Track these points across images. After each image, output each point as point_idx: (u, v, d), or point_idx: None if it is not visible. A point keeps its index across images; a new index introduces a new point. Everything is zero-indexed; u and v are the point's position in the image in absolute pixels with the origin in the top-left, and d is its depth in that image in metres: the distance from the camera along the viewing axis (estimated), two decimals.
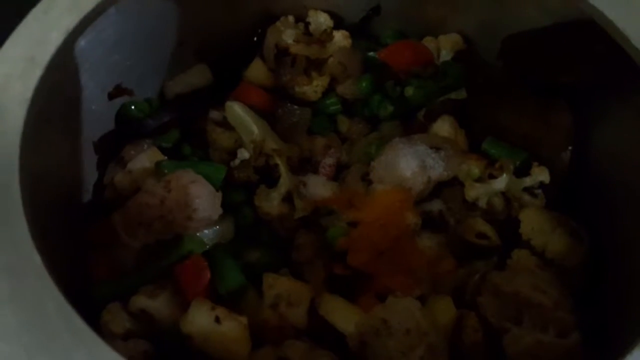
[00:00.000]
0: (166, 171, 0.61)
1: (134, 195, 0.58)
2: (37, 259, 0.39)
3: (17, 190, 0.41)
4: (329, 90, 0.76)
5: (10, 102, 0.44)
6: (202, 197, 0.59)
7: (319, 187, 0.67)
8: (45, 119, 0.49)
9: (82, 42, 0.55)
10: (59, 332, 0.37)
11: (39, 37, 0.47)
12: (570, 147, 0.67)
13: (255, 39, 0.77)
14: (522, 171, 0.67)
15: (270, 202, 0.66)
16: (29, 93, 0.44)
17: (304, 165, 0.72)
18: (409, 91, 0.73)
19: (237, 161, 0.69)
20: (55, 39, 0.47)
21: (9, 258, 0.39)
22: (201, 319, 0.54)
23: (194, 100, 0.74)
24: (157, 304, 0.57)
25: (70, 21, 0.48)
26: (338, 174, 0.71)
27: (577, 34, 0.62)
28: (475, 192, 0.66)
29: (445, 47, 0.76)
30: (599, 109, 0.65)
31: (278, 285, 0.59)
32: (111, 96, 0.66)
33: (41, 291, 0.38)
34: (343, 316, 0.58)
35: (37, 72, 0.45)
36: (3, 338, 0.37)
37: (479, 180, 0.66)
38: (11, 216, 0.40)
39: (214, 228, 0.63)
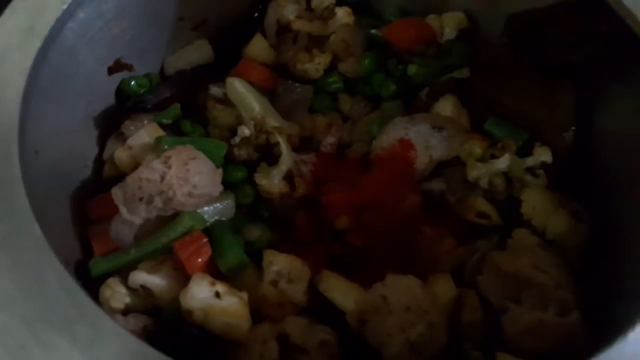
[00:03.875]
0: (166, 147, 0.61)
1: (134, 171, 0.57)
2: (36, 229, 0.39)
3: (16, 161, 0.40)
4: (331, 68, 0.76)
5: (9, 72, 0.43)
6: (202, 174, 0.58)
7: None
8: (44, 91, 0.48)
9: (81, 14, 0.54)
10: (59, 303, 0.37)
11: (37, 7, 0.46)
12: (572, 127, 0.66)
13: (255, 14, 0.76)
14: (524, 151, 0.66)
15: (271, 181, 0.66)
16: (28, 63, 0.44)
17: (305, 144, 0.71)
18: (412, 70, 0.72)
19: (237, 138, 0.68)
20: (54, 9, 0.46)
21: (8, 227, 0.38)
22: (201, 294, 0.54)
23: (194, 76, 0.73)
24: (157, 279, 0.57)
25: None
26: (339, 152, 0.71)
27: (583, 12, 0.61)
28: (476, 171, 0.65)
29: (449, 25, 0.75)
30: (603, 89, 0.65)
31: (278, 261, 0.59)
32: (111, 71, 0.66)
33: (41, 262, 0.38)
34: (343, 293, 0.58)
35: (36, 43, 0.45)
36: (2, 308, 0.37)
37: (481, 160, 0.66)
38: (10, 186, 0.40)
39: (215, 205, 0.63)
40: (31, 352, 0.36)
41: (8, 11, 0.46)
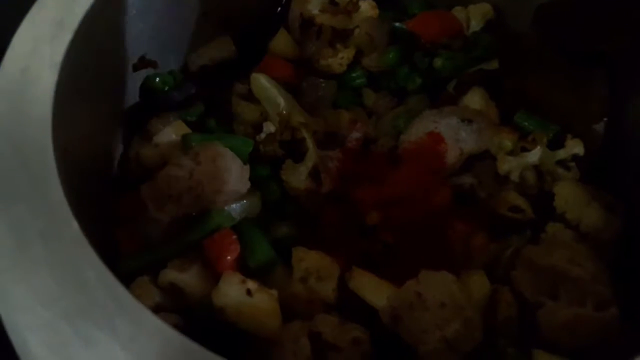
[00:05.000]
0: (193, 144, 0.60)
1: (163, 168, 0.57)
2: (74, 224, 0.38)
3: (51, 155, 0.40)
4: (354, 63, 0.75)
5: (41, 66, 0.43)
6: (230, 170, 0.58)
7: None
8: (73, 86, 0.48)
9: (107, 10, 0.53)
10: (99, 298, 0.36)
11: (68, 1, 0.45)
12: (605, 119, 0.65)
13: (279, 9, 0.75)
14: (555, 144, 0.65)
15: (298, 177, 0.65)
16: (58, 57, 0.43)
17: (330, 140, 0.71)
18: (438, 62, 0.71)
19: (262, 135, 0.67)
20: (83, 3, 0.45)
21: (47, 223, 0.38)
22: (233, 292, 0.53)
23: (218, 72, 0.73)
24: (186, 277, 0.56)
25: None
26: (365, 147, 0.70)
27: (613, 0, 0.60)
28: (507, 165, 0.64)
29: (475, 17, 0.74)
30: (635, 79, 0.64)
31: (308, 259, 0.58)
32: (136, 67, 0.65)
33: (80, 257, 0.37)
34: (374, 290, 0.57)
35: (67, 36, 0.44)
36: (43, 303, 0.36)
37: (511, 153, 0.65)
38: (47, 181, 0.39)
39: (242, 202, 0.62)
40: (73, 348, 0.35)
41: (38, 4, 0.45)
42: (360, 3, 0.73)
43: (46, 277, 0.37)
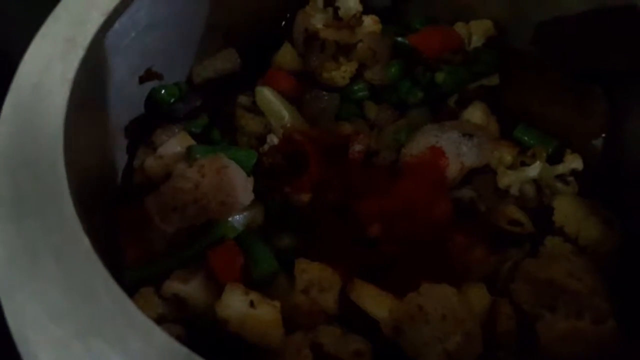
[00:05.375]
0: (198, 156, 0.61)
1: (168, 180, 0.58)
2: (85, 241, 0.39)
3: (63, 171, 0.41)
4: (357, 76, 0.76)
5: (53, 83, 0.43)
6: (235, 182, 0.58)
7: None
8: (83, 101, 0.48)
9: (116, 24, 0.54)
10: (111, 315, 0.37)
11: (78, 18, 0.46)
12: (603, 135, 0.66)
13: (283, 23, 0.76)
14: (554, 158, 0.66)
15: (300, 189, 0.66)
16: (70, 74, 0.44)
17: (333, 152, 0.71)
18: (440, 77, 0.72)
19: (266, 147, 0.68)
20: (95, 20, 0.46)
21: (60, 239, 0.39)
22: (236, 303, 0.54)
23: (222, 84, 0.73)
24: (189, 288, 0.57)
25: (109, 2, 0.47)
26: (367, 160, 0.71)
27: (615, 19, 0.61)
28: (507, 179, 0.65)
29: (476, 33, 0.75)
30: (635, 96, 0.65)
31: (310, 270, 0.59)
32: (142, 80, 0.66)
33: (91, 273, 0.38)
34: (375, 302, 0.58)
35: (79, 53, 0.45)
36: (55, 320, 0.37)
37: (511, 167, 0.66)
38: (59, 196, 0.40)
39: (245, 214, 0.63)
40: None
41: (50, 21, 0.46)
42: (364, 18, 0.74)
43: (58, 294, 0.38)
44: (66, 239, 0.39)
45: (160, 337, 0.37)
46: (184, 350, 0.38)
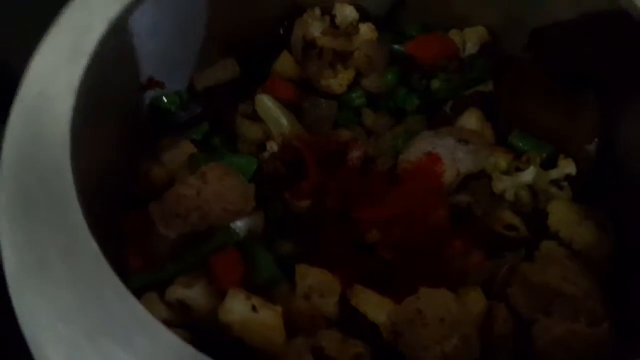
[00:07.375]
0: (200, 163, 0.62)
1: (171, 187, 0.59)
2: (93, 244, 0.40)
3: (70, 176, 0.41)
4: (354, 84, 0.77)
5: (58, 92, 0.44)
6: (237, 189, 0.59)
7: None
8: (87, 108, 0.49)
9: (120, 32, 0.55)
10: (119, 316, 0.38)
11: (82, 26, 0.47)
12: (596, 139, 0.67)
13: (281, 31, 0.78)
14: (548, 164, 0.67)
15: (300, 195, 0.67)
16: (75, 83, 0.45)
17: (331, 158, 0.72)
18: (435, 84, 0.74)
19: (266, 154, 0.69)
20: (99, 28, 0.47)
21: (68, 241, 0.39)
22: (239, 308, 0.54)
23: (222, 92, 0.74)
24: (193, 294, 0.58)
25: (112, 10, 0.48)
26: (364, 166, 0.72)
27: (608, 25, 0.62)
28: (502, 184, 0.66)
29: (471, 40, 0.76)
30: (627, 101, 0.66)
31: (311, 276, 0.60)
32: (143, 88, 0.67)
33: (99, 276, 0.39)
34: (375, 307, 0.59)
35: (83, 61, 0.46)
36: (64, 319, 0.38)
37: (506, 173, 0.67)
38: (66, 200, 0.41)
39: (246, 220, 0.63)
40: None
41: (54, 30, 0.47)
42: (360, 26, 0.75)
43: (68, 296, 0.39)
44: (74, 242, 0.40)
45: (168, 337, 0.38)
46: (190, 349, 0.39)
